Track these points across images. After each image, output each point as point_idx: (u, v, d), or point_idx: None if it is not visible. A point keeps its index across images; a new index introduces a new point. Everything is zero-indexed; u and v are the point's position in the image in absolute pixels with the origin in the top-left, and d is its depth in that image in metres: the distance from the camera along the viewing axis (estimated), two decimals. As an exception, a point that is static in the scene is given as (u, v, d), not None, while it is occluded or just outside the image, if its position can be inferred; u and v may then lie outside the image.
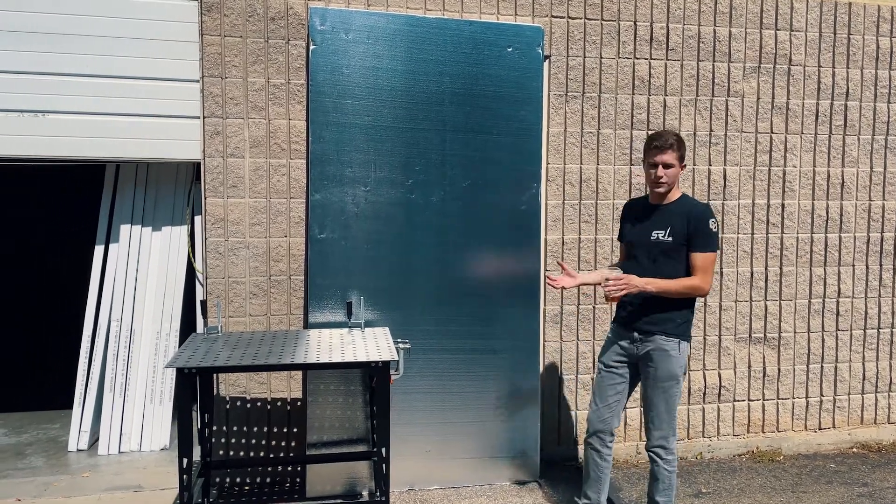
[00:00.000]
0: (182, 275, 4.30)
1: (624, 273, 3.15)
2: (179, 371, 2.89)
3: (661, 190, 3.18)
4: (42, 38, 3.75)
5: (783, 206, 4.56)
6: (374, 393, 3.77)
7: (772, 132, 4.52)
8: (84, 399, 4.26)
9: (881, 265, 4.76)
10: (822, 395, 4.74)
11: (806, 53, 4.53)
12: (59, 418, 4.89)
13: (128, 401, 4.23)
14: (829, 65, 4.57)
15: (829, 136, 4.62)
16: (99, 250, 4.28)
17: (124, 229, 4.24)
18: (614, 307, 3.44)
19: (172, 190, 4.28)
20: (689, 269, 3.14)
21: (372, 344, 3.29)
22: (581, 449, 4.32)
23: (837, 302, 4.71)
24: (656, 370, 3.16)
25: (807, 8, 4.50)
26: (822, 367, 4.72)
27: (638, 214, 3.32)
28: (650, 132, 4.29)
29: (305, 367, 3.01)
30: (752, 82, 4.46)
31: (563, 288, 3.24)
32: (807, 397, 4.71)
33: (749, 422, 4.62)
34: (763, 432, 4.66)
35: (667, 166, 3.14)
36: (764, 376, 4.62)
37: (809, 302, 4.66)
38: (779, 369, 4.64)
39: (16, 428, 4.67)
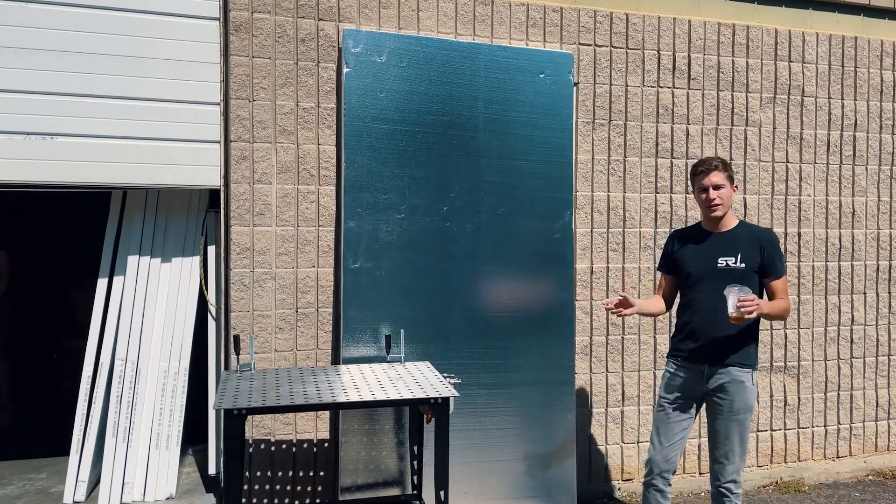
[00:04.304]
0: (193, 309, 4.03)
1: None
2: (227, 413, 2.65)
3: (717, 213, 3.11)
4: (51, 56, 3.49)
5: (800, 234, 4.59)
6: (413, 432, 3.57)
7: (787, 161, 4.56)
8: (82, 446, 3.90)
9: (890, 293, 4.83)
10: (839, 423, 4.74)
11: (817, 85, 4.61)
12: (43, 467, 4.48)
13: (131, 446, 3.90)
14: (838, 96, 4.67)
15: (840, 166, 4.69)
16: (102, 283, 3.98)
17: (131, 260, 3.95)
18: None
19: (184, 218, 4.02)
20: (761, 295, 3.12)
21: (422, 379, 3.10)
22: (615, 485, 4.20)
23: (851, 329, 4.74)
24: (732, 402, 3.04)
25: (817, 41, 4.60)
26: (838, 394, 4.73)
27: (694, 243, 3.21)
28: (674, 160, 4.29)
29: (366, 406, 2.80)
30: (768, 112, 4.50)
31: (622, 315, 3.12)
32: (825, 426, 4.70)
33: (772, 452, 4.57)
34: (785, 462, 4.61)
35: (717, 187, 3.09)
36: (785, 405, 4.59)
37: (826, 330, 4.68)
38: (799, 398, 4.63)
39: (-2, 479, 4.26)
